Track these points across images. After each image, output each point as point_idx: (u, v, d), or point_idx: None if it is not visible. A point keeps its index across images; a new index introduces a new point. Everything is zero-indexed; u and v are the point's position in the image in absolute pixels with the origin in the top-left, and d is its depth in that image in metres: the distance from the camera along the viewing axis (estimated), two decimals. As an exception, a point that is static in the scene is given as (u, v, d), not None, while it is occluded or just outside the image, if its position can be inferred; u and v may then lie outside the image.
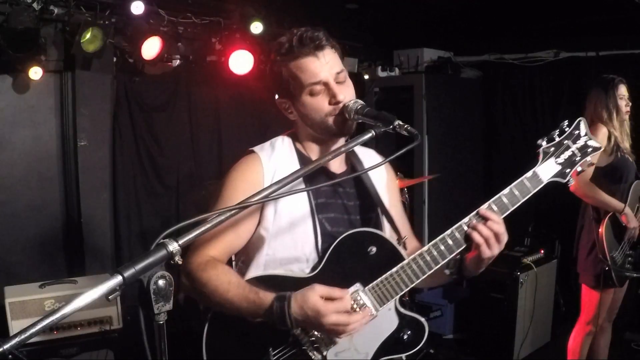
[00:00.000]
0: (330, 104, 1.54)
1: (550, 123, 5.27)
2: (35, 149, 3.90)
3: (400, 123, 1.39)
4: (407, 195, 3.96)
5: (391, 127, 1.38)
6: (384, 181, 1.78)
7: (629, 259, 3.17)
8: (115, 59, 4.08)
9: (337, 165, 1.68)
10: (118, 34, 3.91)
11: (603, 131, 3.10)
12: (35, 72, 3.53)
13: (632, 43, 4.64)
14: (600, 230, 3.10)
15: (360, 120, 1.51)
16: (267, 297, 1.42)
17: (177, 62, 4.35)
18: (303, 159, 1.63)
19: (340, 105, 1.52)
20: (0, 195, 3.76)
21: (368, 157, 1.78)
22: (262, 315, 1.42)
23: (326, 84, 1.53)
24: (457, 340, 4.70)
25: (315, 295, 1.38)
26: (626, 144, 3.20)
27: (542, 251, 4.45)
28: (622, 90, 3.20)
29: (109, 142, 4.16)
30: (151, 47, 3.85)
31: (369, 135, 1.39)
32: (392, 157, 1.45)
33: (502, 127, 5.77)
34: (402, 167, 4.46)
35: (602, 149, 1.66)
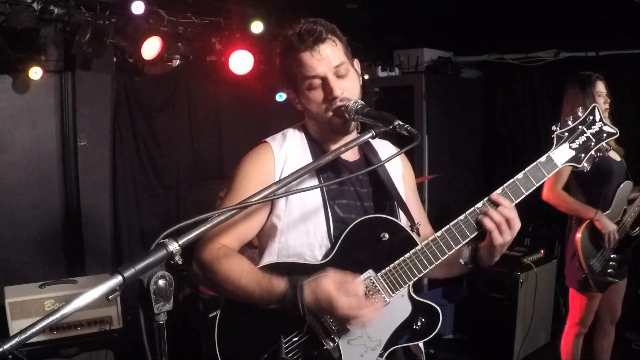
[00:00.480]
0: (326, 99, 1.54)
1: (550, 123, 5.25)
2: (35, 149, 3.90)
3: (400, 123, 1.39)
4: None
5: (391, 127, 1.38)
6: (400, 171, 1.78)
7: (612, 263, 3.03)
8: (115, 59, 4.08)
9: (350, 154, 1.66)
10: (118, 34, 3.91)
11: None
12: (35, 72, 3.53)
13: (632, 43, 4.64)
14: (576, 236, 3.02)
15: (360, 120, 1.51)
16: (280, 283, 1.41)
17: (177, 62, 4.35)
18: (314, 147, 1.64)
19: (338, 100, 1.52)
20: (1, 195, 3.76)
21: (383, 147, 1.77)
22: (275, 302, 1.42)
23: (324, 79, 1.53)
24: (457, 340, 4.70)
25: (329, 282, 1.38)
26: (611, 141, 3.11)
27: (542, 251, 4.46)
28: (600, 87, 3.07)
29: (109, 142, 4.16)
30: (151, 47, 3.85)
31: (369, 135, 1.39)
32: (391, 157, 1.45)
33: (502, 127, 5.76)
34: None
35: (617, 135, 1.61)
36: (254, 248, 1.74)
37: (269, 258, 1.59)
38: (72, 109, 3.96)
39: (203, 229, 1.13)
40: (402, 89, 5.38)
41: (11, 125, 3.79)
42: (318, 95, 1.55)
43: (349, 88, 1.54)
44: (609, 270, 3.03)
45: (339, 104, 1.52)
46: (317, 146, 1.65)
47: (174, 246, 1.05)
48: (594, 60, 4.88)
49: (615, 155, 3.10)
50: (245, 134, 4.80)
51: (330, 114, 1.55)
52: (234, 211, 1.19)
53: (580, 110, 1.61)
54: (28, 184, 3.87)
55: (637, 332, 4.50)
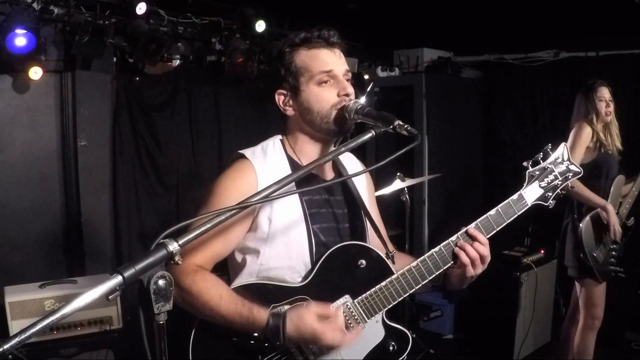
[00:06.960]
0: (339, 95, 1.56)
1: (550, 123, 5.27)
2: (35, 149, 3.90)
3: (400, 123, 1.39)
4: (407, 196, 3.95)
5: (391, 127, 1.38)
6: (364, 184, 1.80)
7: (613, 253, 3.26)
8: (115, 59, 4.08)
9: (327, 173, 1.69)
10: (118, 34, 3.91)
11: (587, 130, 3.25)
12: (35, 72, 3.52)
13: (632, 43, 4.64)
14: (580, 227, 3.23)
15: (360, 120, 1.51)
16: (262, 313, 1.43)
17: (177, 62, 4.35)
18: (294, 166, 1.60)
19: (348, 99, 1.55)
20: (1, 195, 3.76)
21: (349, 161, 1.79)
22: (255, 331, 1.44)
23: (336, 77, 1.56)
24: (457, 340, 4.71)
25: (311, 315, 1.41)
26: (616, 142, 3.33)
27: (542, 251, 4.45)
28: (602, 92, 3.32)
29: (109, 142, 4.15)
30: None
31: (369, 135, 1.38)
32: (391, 158, 1.43)
33: (502, 127, 5.77)
34: (402, 167, 4.46)
35: (581, 174, 1.70)
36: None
37: (247, 277, 1.58)
38: (72, 109, 3.96)
39: (203, 229, 1.13)
40: (402, 89, 5.38)
41: (11, 125, 3.79)
42: (328, 91, 1.56)
43: (353, 94, 1.57)
44: (611, 260, 3.25)
45: (347, 103, 1.54)
46: (297, 165, 1.61)
47: (174, 246, 1.05)
48: (594, 60, 4.89)
49: (613, 152, 3.31)
50: (245, 134, 4.81)
51: (335, 112, 1.55)
52: (233, 211, 1.19)
53: (550, 147, 1.69)
54: (28, 184, 3.86)
55: (637, 332, 4.50)
